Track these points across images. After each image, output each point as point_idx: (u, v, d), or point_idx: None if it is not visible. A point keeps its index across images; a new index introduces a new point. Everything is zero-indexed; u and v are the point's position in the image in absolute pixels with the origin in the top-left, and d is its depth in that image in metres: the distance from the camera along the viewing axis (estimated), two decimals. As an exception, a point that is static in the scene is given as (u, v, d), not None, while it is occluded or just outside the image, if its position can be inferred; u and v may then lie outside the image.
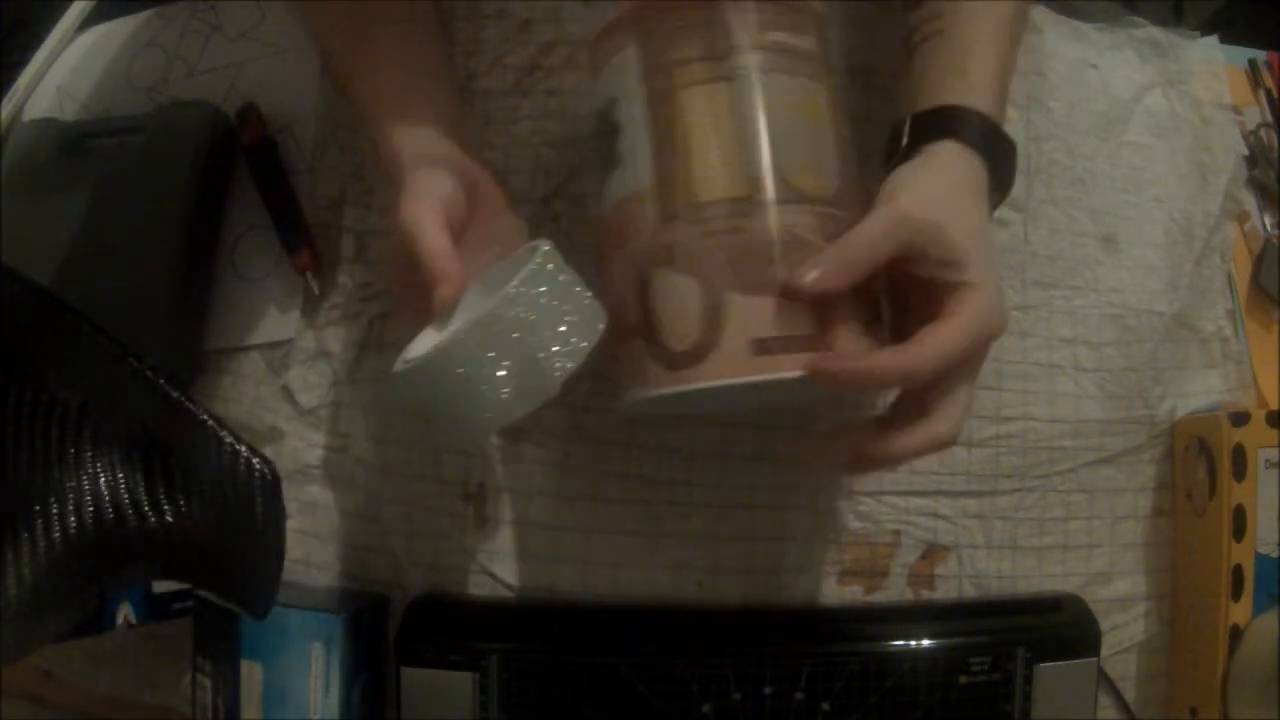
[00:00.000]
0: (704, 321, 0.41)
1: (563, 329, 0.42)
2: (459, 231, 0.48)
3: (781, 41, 0.45)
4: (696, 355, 0.41)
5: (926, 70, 0.49)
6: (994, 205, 0.48)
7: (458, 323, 0.46)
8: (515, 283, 0.41)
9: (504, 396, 0.42)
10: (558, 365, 0.42)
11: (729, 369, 0.41)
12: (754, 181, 0.43)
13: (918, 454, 0.43)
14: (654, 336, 0.43)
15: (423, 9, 0.58)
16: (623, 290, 0.44)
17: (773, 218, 0.42)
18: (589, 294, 0.44)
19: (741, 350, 0.41)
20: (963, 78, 0.47)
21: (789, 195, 0.43)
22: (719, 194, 0.43)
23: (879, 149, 0.51)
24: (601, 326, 0.44)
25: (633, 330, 0.44)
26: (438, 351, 0.41)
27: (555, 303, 0.42)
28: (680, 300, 0.42)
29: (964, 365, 0.42)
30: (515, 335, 0.41)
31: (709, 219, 0.42)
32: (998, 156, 0.46)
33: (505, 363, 0.41)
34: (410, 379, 0.43)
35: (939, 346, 0.40)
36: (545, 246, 0.44)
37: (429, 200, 0.46)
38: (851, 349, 0.42)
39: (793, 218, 0.43)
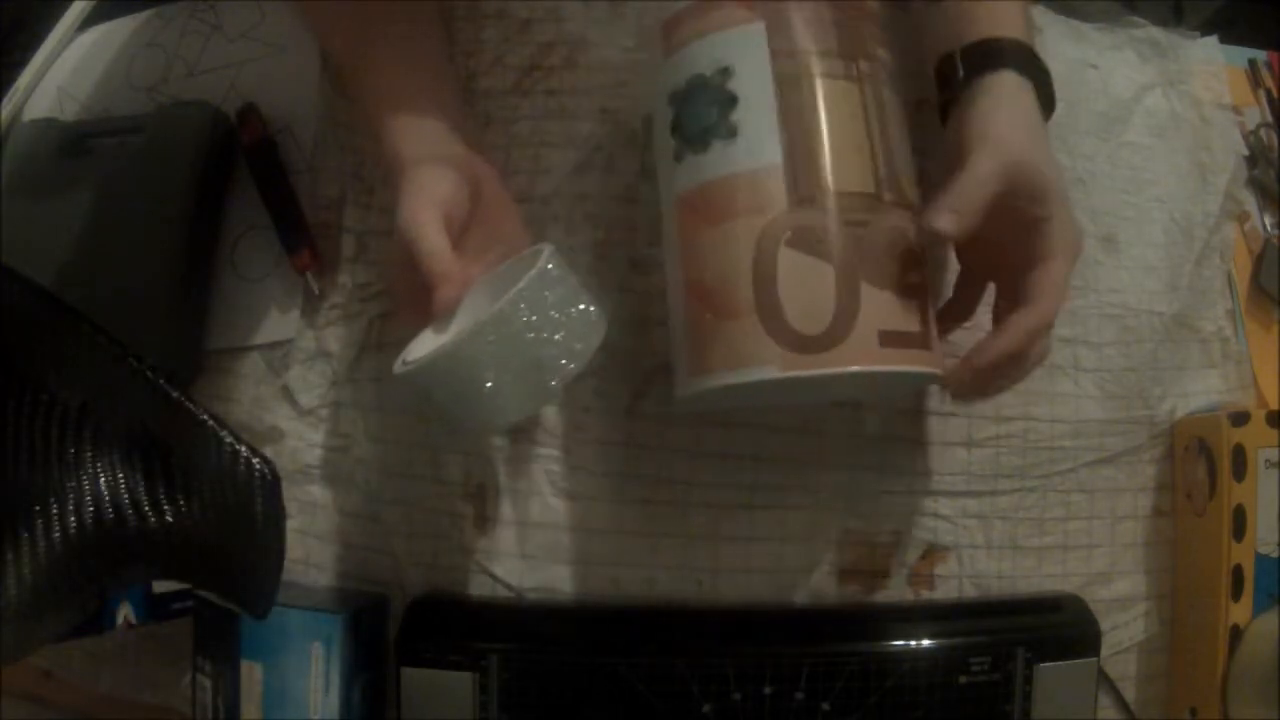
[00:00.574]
0: (840, 308, 0.42)
1: (566, 332, 0.42)
2: (460, 232, 0.48)
3: (884, 57, 0.47)
4: (829, 340, 0.42)
5: (959, 11, 0.51)
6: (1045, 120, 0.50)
7: (459, 324, 0.46)
8: (521, 285, 0.41)
9: (506, 398, 0.42)
10: (561, 368, 0.42)
11: (864, 357, 0.42)
12: (880, 181, 0.44)
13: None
14: (779, 318, 0.42)
15: (426, 8, 0.58)
16: (731, 266, 0.44)
17: (893, 217, 0.44)
18: (591, 298, 0.44)
19: (872, 340, 0.42)
20: (998, 13, 0.50)
21: (901, 200, 0.45)
22: (853, 187, 0.44)
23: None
24: (603, 331, 0.44)
25: (740, 309, 0.43)
26: (441, 353, 0.41)
27: (559, 306, 0.42)
28: (815, 283, 0.42)
29: None
30: (519, 338, 0.41)
31: (840, 209, 0.43)
32: (1043, 81, 0.49)
33: (508, 365, 0.41)
34: (413, 380, 0.43)
35: (1053, 292, 0.45)
36: (549, 250, 0.43)
37: (428, 201, 0.46)
38: (938, 343, 0.46)
39: (904, 221, 0.45)
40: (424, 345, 0.46)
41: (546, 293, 0.42)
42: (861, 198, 0.44)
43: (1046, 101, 0.50)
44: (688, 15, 0.47)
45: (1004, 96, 0.48)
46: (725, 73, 0.45)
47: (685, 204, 0.46)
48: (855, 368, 0.42)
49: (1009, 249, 0.47)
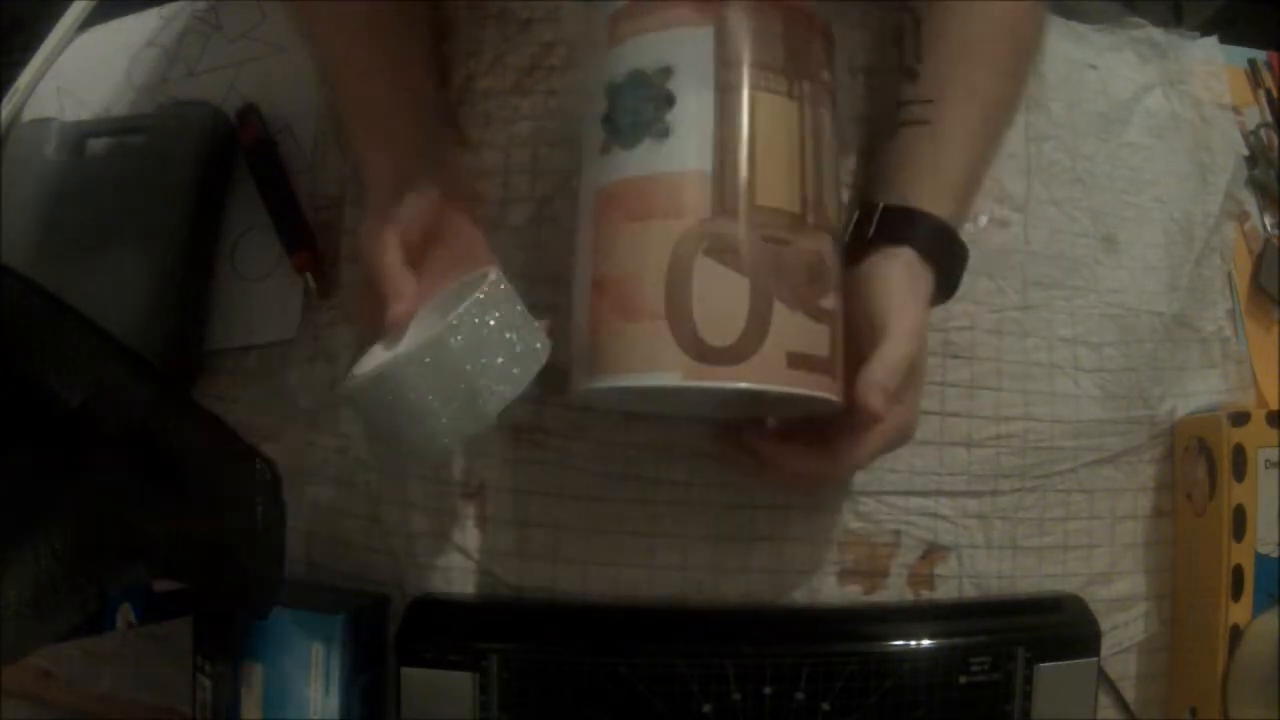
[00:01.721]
0: (750, 323, 0.41)
1: (504, 359, 0.42)
2: (418, 252, 0.49)
3: (827, 80, 0.47)
4: (737, 354, 0.41)
5: (905, 160, 0.51)
6: (934, 305, 0.50)
7: (406, 343, 0.47)
8: (458, 312, 0.41)
9: (440, 424, 0.42)
10: (495, 395, 0.42)
11: (769, 376, 0.41)
12: (805, 202, 0.44)
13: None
14: (687, 325, 0.42)
15: (419, 22, 0.57)
16: (644, 266, 0.43)
17: (814, 240, 0.44)
18: (534, 323, 0.44)
19: (779, 359, 0.41)
20: (936, 180, 0.50)
21: (824, 223, 0.45)
22: (778, 204, 0.43)
23: (876, 147, 0.53)
24: (545, 357, 0.44)
25: (648, 311, 0.42)
26: (378, 376, 0.42)
27: (498, 333, 0.42)
28: (728, 295, 0.42)
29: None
30: (454, 365, 0.41)
31: (762, 225, 0.43)
32: (949, 266, 0.50)
33: (442, 392, 0.42)
34: (353, 398, 0.44)
35: (857, 455, 0.46)
36: (493, 275, 0.44)
37: (387, 219, 0.48)
38: (841, 372, 0.45)
39: (824, 245, 0.45)
40: (371, 361, 0.47)
41: (487, 318, 0.42)
42: (786, 216, 0.43)
43: (948, 284, 0.50)
44: (637, 9, 0.46)
45: (904, 274, 0.47)
46: (666, 72, 0.44)
47: (606, 198, 0.45)
48: (760, 385, 0.41)
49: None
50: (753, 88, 0.44)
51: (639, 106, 0.45)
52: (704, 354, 0.41)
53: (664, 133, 0.44)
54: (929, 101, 0.51)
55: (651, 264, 0.42)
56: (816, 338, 0.43)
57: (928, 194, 0.49)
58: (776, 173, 0.43)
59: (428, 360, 0.41)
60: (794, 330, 0.42)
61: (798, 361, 0.42)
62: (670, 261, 0.42)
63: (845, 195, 0.58)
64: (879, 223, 0.49)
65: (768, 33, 0.45)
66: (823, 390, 0.43)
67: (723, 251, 0.42)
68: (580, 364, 0.46)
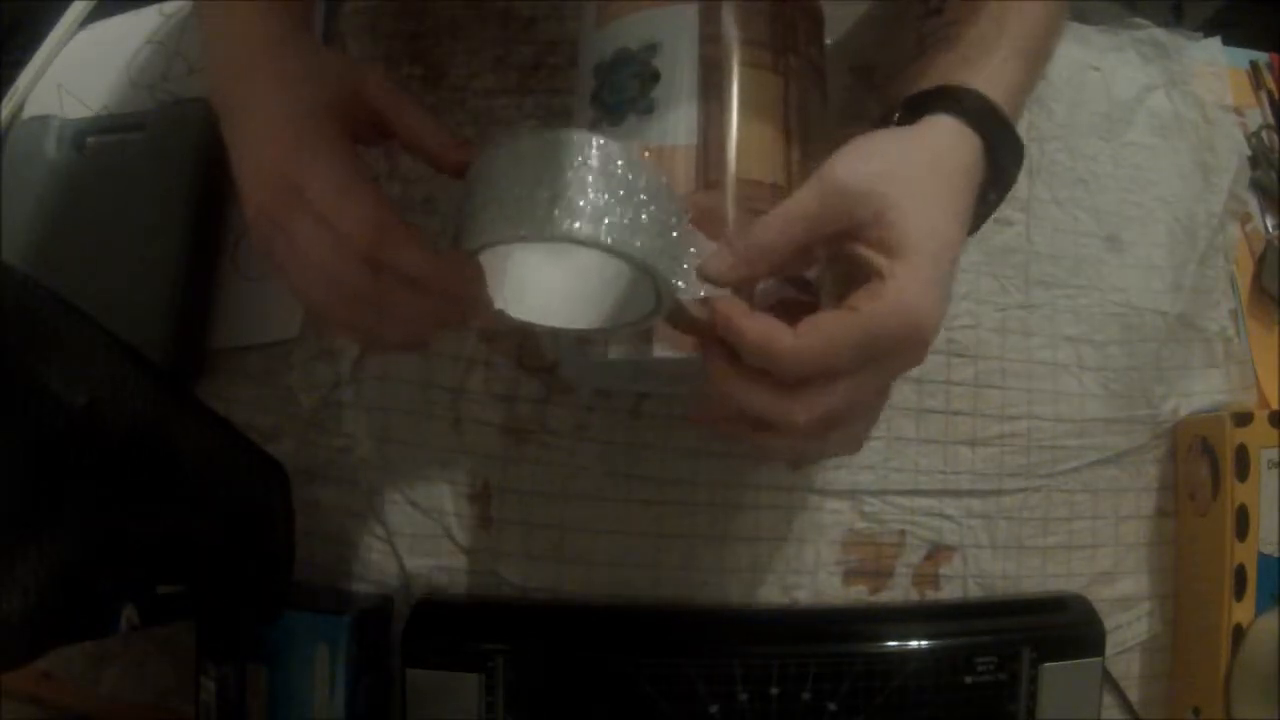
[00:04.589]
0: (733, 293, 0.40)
1: (646, 226, 0.35)
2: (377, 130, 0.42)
3: (813, 57, 0.46)
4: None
5: (931, 59, 0.44)
6: (992, 200, 0.42)
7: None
8: (615, 144, 0.35)
9: (606, 227, 0.34)
10: (607, 229, 0.34)
11: None
12: (791, 175, 0.43)
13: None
14: None
15: None
16: None
17: None
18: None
19: None
20: (969, 66, 0.42)
21: None
22: (761, 176, 0.43)
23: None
24: (662, 303, 0.38)
25: None
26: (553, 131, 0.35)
27: (648, 200, 0.35)
28: None
29: (862, 373, 0.35)
30: (623, 175, 0.35)
31: (746, 197, 0.42)
32: (997, 141, 0.40)
33: (617, 189, 0.34)
34: (502, 155, 0.36)
35: (819, 343, 0.34)
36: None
37: (333, 131, 0.40)
38: None
39: None
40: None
41: (636, 177, 0.35)
42: (770, 188, 0.43)
43: (1003, 163, 0.40)
44: None
45: (912, 134, 0.39)
46: (651, 49, 0.44)
47: None
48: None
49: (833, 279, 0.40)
50: (737, 63, 0.44)
51: (625, 83, 0.45)
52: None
53: (649, 108, 0.44)
54: (954, 23, 0.45)
55: None
56: (802, 309, 0.42)
57: (963, 77, 0.41)
58: (761, 146, 0.43)
59: (610, 160, 0.34)
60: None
61: None
62: None
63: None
64: (905, 108, 0.41)
65: (753, 9, 0.45)
66: None
67: (707, 223, 0.41)
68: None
